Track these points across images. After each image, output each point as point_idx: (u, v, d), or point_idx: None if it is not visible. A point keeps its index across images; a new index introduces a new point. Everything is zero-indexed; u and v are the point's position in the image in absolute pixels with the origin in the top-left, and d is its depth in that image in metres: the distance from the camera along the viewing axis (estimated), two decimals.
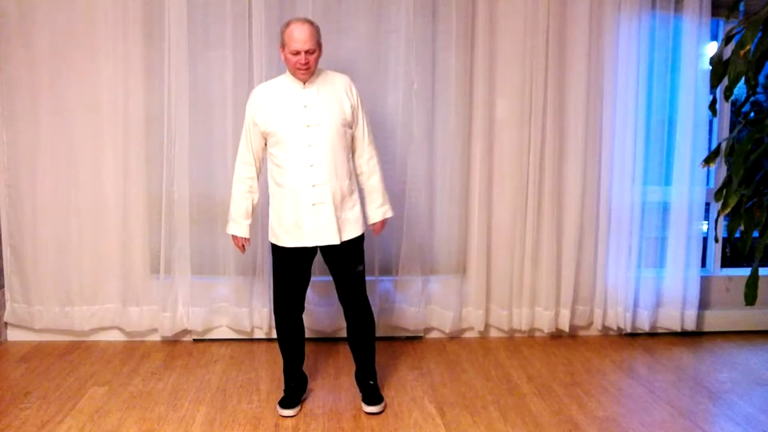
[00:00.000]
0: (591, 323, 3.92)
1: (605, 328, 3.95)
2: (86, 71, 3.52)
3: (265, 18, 3.48)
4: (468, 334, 3.89)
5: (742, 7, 3.73)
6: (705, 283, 3.97)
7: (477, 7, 3.60)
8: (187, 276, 3.65)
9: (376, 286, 3.70)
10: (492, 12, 3.61)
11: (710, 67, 2.58)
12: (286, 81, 2.77)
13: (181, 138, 3.53)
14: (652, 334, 3.95)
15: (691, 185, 3.76)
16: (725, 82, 2.46)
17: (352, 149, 2.85)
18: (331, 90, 2.76)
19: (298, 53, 2.63)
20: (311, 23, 2.66)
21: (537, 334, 3.92)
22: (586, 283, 3.84)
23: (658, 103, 3.73)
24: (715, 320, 3.98)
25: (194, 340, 3.76)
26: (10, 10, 3.46)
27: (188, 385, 3.15)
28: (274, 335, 3.73)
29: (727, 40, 2.51)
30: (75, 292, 3.65)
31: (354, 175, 2.84)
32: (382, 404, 2.89)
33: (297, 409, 2.87)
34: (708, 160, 2.72)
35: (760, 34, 2.30)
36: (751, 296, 2.43)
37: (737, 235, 2.52)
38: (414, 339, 3.82)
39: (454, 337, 3.87)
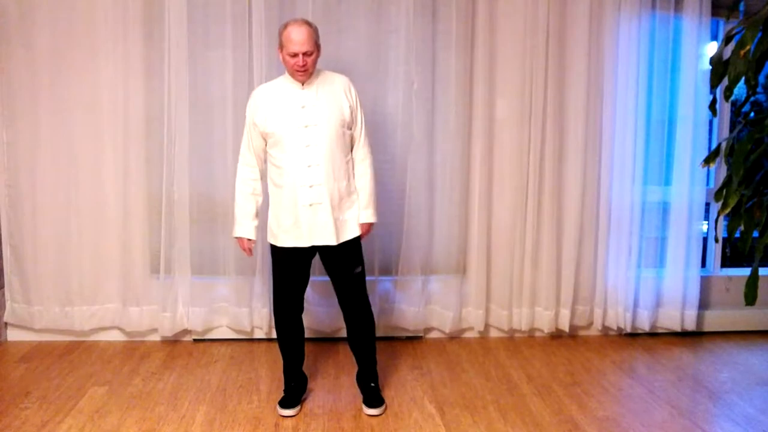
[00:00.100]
0: (591, 323, 3.92)
1: (605, 328, 3.95)
2: (86, 71, 3.52)
3: (265, 18, 3.48)
4: (468, 334, 3.90)
5: (742, 7, 3.73)
6: (705, 283, 3.98)
7: (477, 7, 3.60)
8: (187, 276, 3.65)
9: (376, 286, 3.70)
10: (492, 12, 3.61)
11: (710, 67, 2.58)
12: (285, 82, 2.77)
13: (181, 138, 3.53)
14: (652, 334, 3.95)
15: (691, 185, 3.76)
16: (725, 82, 2.46)
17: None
18: (329, 90, 2.76)
19: (295, 55, 2.63)
20: (309, 24, 2.66)
21: (537, 334, 3.92)
22: (586, 283, 3.84)
23: (658, 103, 3.73)
24: (715, 320, 3.99)
25: (194, 340, 3.76)
26: (10, 10, 3.46)
27: (188, 385, 3.15)
28: (274, 335, 3.74)
29: (727, 40, 2.51)
30: (75, 292, 3.65)
31: (353, 177, 2.84)
32: (383, 407, 2.89)
33: (297, 409, 2.87)
34: (708, 160, 2.72)
35: (760, 34, 2.30)
36: (751, 296, 2.44)
37: (737, 235, 2.53)
38: (414, 339, 3.83)
39: (454, 337, 3.87)
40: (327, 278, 3.14)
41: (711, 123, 3.86)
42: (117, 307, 3.69)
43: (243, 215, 2.84)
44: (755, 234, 2.45)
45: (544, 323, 3.82)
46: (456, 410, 2.91)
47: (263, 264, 3.63)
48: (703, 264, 4.08)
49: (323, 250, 2.81)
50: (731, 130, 3.84)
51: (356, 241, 2.83)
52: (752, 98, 2.48)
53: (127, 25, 3.47)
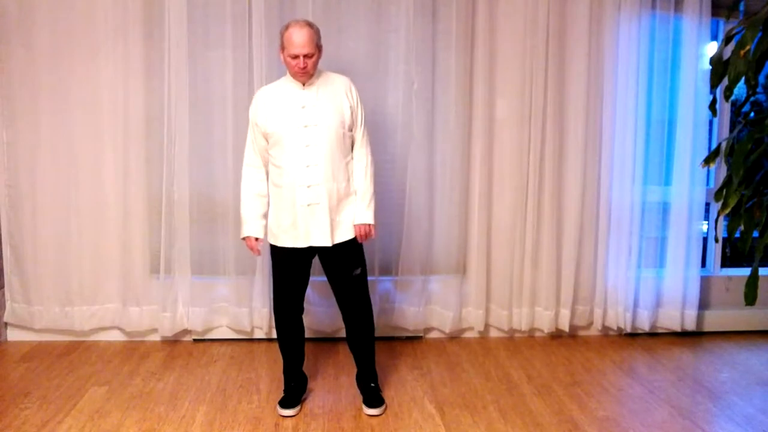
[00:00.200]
0: (591, 323, 3.92)
1: (605, 328, 3.95)
2: (86, 71, 3.52)
3: (265, 18, 3.48)
4: (468, 334, 3.90)
5: (742, 7, 3.73)
6: (705, 283, 3.98)
7: (477, 7, 3.60)
8: (187, 276, 3.65)
9: (376, 286, 3.70)
10: (492, 12, 3.61)
11: (710, 67, 2.58)
12: (287, 82, 2.77)
13: (181, 138, 3.53)
14: (652, 334, 3.95)
15: (691, 185, 3.76)
16: (725, 82, 2.46)
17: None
18: (330, 91, 2.75)
19: (296, 57, 2.63)
20: (310, 26, 2.65)
21: (537, 334, 3.92)
22: (586, 283, 3.84)
23: (658, 103, 3.73)
24: (715, 320, 3.99)
25: (194, 340, 3.76)
26: (10, 10, 3.46)
27: (188, 385, 3.15)
28: (274, 335, 3.74)
29: (727, 40, 2.51)
30: (75, 292, 3.65)
31: (352, 178, 2.84)
32: (383, 407, 2.88)
33: (297, 409, 2.87)
34: (708, 160, 2.72)
35: (760, 34, 2.30)
36: (751, 296, 2.44)
37: (737, 235, 2.52)
38: (414, 339, 3.83)
39: (454, 337, 3.87)
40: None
41: (711, 123, 3.86)
42: (117, 307, 3.69)
43: (250, 215, 2.83)
44: (755, 234, 2.45)
45: (544, 323, 3.82)
46: (456, 410, 2.91)
47: (263, 264, 3.63)
48: (703, 264, 4.08)
49: (321, 251, 2.81)
50: (731, 130, 3.84)
51: (355, 242, 2.82)
52: (752, 98, 2.48)
53: (127, 25, 3.47)
